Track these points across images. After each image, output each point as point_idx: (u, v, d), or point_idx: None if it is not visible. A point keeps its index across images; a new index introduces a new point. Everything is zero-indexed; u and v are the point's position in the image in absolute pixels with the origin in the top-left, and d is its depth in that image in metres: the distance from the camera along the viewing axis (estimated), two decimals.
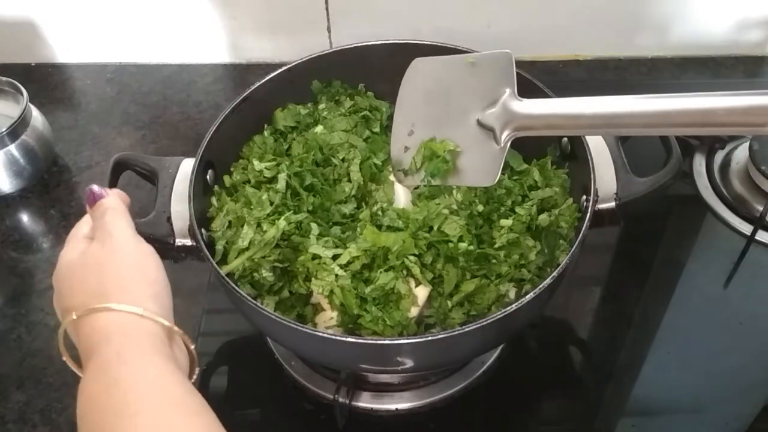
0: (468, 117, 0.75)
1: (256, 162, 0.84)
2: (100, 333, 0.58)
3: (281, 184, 0.81)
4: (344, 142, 0.88)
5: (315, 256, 0.77)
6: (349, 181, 0.85)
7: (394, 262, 0.75)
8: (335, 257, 0.76)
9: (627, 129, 0.69)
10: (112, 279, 0.61)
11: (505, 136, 0.72)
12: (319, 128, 0.90)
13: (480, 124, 0.74)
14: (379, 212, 0.82)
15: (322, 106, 0.94)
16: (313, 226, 0.79)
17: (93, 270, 0.63)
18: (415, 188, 0.89)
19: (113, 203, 0.69)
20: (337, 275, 0.75)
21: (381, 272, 0.75)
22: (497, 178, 0.73)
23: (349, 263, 0.76)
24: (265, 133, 0.91)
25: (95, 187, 0.70)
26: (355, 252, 0.76)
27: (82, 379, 0.57)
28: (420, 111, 0.79)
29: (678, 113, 0.63)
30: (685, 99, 0.64)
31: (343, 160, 0.86)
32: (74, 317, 0.59)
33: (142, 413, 0.52)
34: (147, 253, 0.65)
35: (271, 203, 0.79)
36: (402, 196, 0.87)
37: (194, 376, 0.63)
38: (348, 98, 0.94)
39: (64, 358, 0.63)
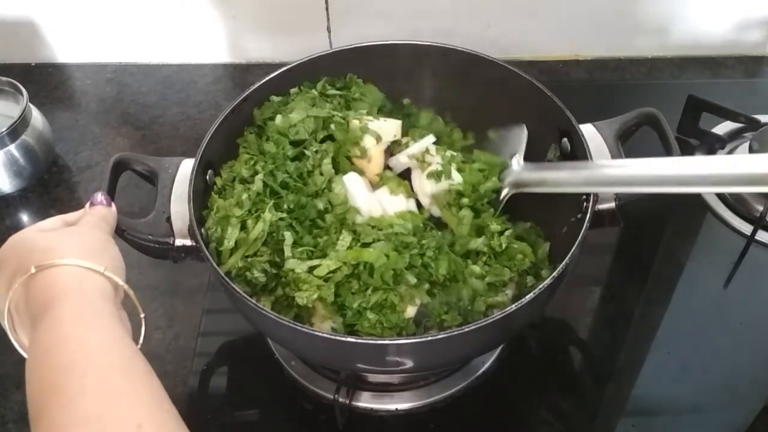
0: None
1: (237, 164, 0.85)
2: (58, 287, 0.59)
3: (258, 185, 0.81)
4: (303, 118, 0.86)
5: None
6: (322, 174, 0.84)
7: (379, 283, 0.75)
8: (312, 269, 0.76)
9: (611, 188, 0.79)
10: (77, 244, 0.64)
11: (504, 191, 0.86)
12: (278, 118, 0.87)
13: None
14: (352, 223, 0.82)
15: (293, 90, 0.91)
16: (287, 235, 0.78)
17: (60, 235, 0.65)
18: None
19: (107, 214, 0.73)
20: (318, 286, 0.75)
21: (371, 291, 0.75)
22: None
23: (330, 274, 0.75)
24: (246, 133, 0.89)
25: (103, 196, 0.74)
26: (333, 264, 0.75)
27: (36, 333, 0.57)
28: None
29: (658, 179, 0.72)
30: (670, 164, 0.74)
31: (316, 152, 0.85)
32: (33, 271, 0.59)
33: (90, 374, 0.53)
34: (115, 245, 0.69)
35: (251, 201, 0.80)
36: (360, 194, 0.85)
37: (139, 343, 0.64)
38: (329, 86, 0.93)
39: (6, 326, 0.62)
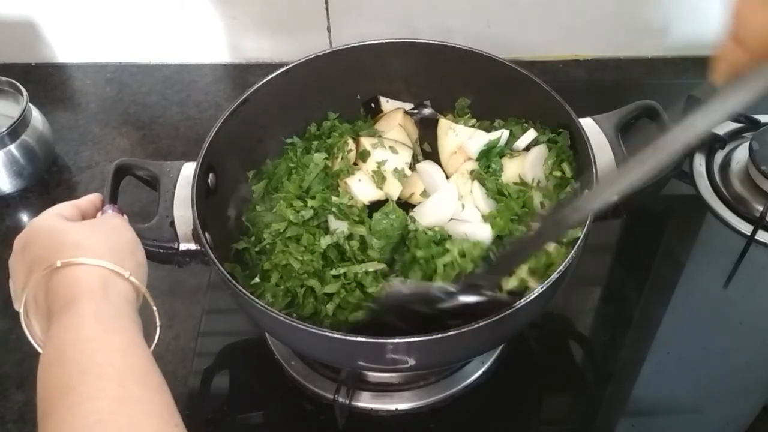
0: None
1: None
2: (82, 285, 0.58)
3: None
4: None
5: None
6: None
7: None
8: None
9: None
10: (106, 243, 0.63)
11: None
12: None
13: None
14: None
15: None
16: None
17: (91, 231, 0.65)
18: None
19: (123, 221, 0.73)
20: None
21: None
22: None
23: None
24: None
25: (113, 209, 0.74)
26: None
27: (53, 328, 0.56)
28: None
29: None
30: None
31: None
32: (58, 265, 0.59)
33: (107, 377, 0.52)
34: (141, 249, 0.68)
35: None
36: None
37: (152, 347, 0.63)
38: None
39: (21, 312, 0.62)
